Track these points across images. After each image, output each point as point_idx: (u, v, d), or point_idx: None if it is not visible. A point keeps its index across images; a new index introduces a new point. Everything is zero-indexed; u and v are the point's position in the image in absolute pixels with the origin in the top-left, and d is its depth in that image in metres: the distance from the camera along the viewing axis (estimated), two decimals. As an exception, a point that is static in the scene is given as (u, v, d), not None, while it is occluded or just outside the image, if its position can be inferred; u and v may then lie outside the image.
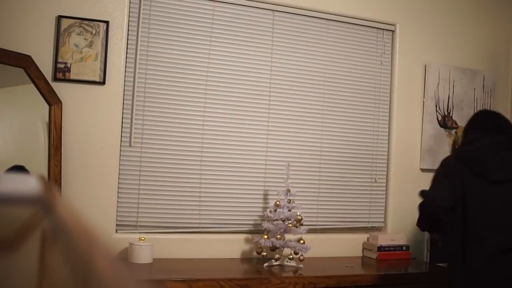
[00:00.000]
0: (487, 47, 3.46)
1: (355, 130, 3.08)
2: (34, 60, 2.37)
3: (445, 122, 3.26)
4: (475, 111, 2.74)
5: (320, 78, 3.00)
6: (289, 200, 2.65)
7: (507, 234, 2.07)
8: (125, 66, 2.60)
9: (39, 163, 2.42)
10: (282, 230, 2.61)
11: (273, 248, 2.62)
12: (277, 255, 2.60)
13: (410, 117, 3.20)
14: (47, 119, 2.40)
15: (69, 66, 2.46)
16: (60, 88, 2.43)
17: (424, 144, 3.20)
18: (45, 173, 2.37)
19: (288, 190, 2.66)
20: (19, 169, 2.36)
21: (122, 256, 2.45)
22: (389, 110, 3.17)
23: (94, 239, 0.46)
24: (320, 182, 2.99)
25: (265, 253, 2.65)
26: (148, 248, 2.44)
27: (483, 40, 3.44)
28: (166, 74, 2.69)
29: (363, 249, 3.02)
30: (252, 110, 2.85)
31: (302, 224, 2.64)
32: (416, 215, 3.10)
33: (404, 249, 2.96)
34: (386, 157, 3.15)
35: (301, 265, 2.59)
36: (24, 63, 2.35)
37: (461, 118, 3.31)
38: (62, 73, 2.45)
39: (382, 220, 3.14)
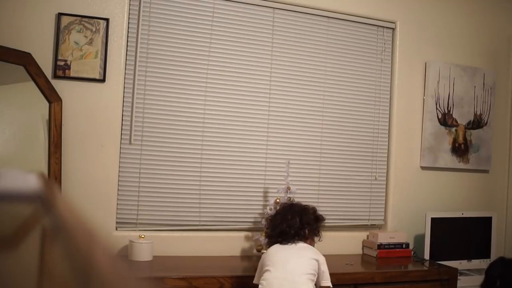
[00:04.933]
0: (487, 45, 3.45)
1: (355, 127, 3.08)
2: (34, 57, 2.37)
3: (445, 120, 3.26)
4: None
5: (320, 75, 3.00)
6: (289, 198, 2.65)
7: None
8: (125, 64, 2.60)
9: (39, 160, 2.42)
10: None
11: (273, 246, 2.62)
12: (277, 253, 2.60)
13: (410, 115, 3.20)
14: (47, 117, 2.40)
15: (69, 64, 2.46)
16: (60, 86, 2.43)
17: (424, 142, 3.20)
18: (45, 171, 2.37)
19: (288, 188, 2.66)
20: None
21: (122, 254, 2.45)
22: (389, 108, 3.17)
23: (94, 237, 0.47)
24: (320, 179, 2.99)
25: (264, 251, 2.65)
26: (148, 245, 2.44)
27: (484, 38, 3.44)
28: (166, 72, 2.68)
29: (363, 246, 3.02)
30: (252, 108, 2.85)
31: (302, 222, 2.64)
32: (416, 213, 3.11)
33: (404, 246, 2.96)
34: (386, 155, 3.15)
35: (301, 263, 2.58)
36: (24, 60, 2.34)
37: (462, 116, 3.31)
38: (62, 70, 2.45)
39: (382, 218, 3.14)
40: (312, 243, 2.24)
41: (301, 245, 2.17)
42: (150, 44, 2.66)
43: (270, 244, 2.26)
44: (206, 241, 2.71)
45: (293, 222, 2.20)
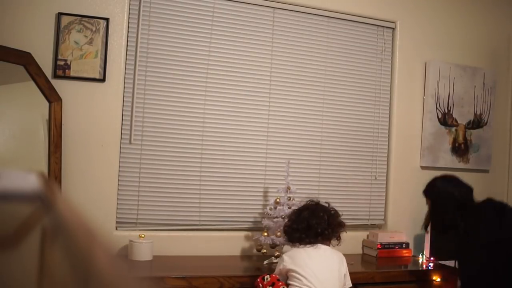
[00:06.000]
0: (488, 45, 3.45)
1: (356, 127, 3.08)
2: (34, 57, 2.36)
3: (445, 119, 3.26)
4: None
5: (320, 75, 3.00)
6: (289, 197, 2.65)
7: None
8: (125, 63, 2.60)
9: (39, 160, 2.42)
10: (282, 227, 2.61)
11: (273, 246, 2.62)
12: (277, 253, 2.60)
13: (410, 115, 3.20)
14: (47, 116, 2.40)
15: (69, 63, 2.46)
16: (60, 85, 2.43)
17: (424, 142, 3.20)
18: (45, 170, 2.37)
19: (288, 188, 2.66)
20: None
21: (122, 254, 2.45)
22: (390, 108, 3.17)
23: (94, 236, 0.46)
24: (320, 179, 2.99)
25: (265, 251, 2.65)
26: (148, 245, 2.44)
27: (484, 38, 3.44)
28: (166, 71, 2.68)
29: (363, 246, 3.02)
30: (252, 108, 2.85)
31: (302, 222, 2.64)
32: (416, 213, 3.10)
33: (404, 246, 2.96)
34: (386, 155, 3.15)
35: (301, 263, 2.58)
36: (24, 60, 2.34)
37: (462, 116, 3.31)
38: (62, 70, 2.45)
39: (382, 217, 3.14)
40: (329, 244, 2.25)
41: (325, 249, 2.17)
42: (150, 44, 2.66)
43: (289, 237, 2.24)
44: (206, 241, 2.71)
45: (321, 221, 2.19)
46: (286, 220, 2.37)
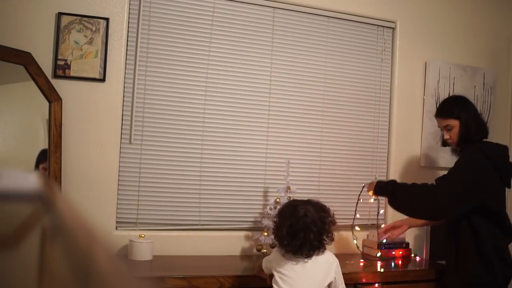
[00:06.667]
0: (488, 45, 3.45)
1: (356, 127, 3.08)
2: (34, 57, 2.37)
3: (445, 119, 3.26)
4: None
5: (320, 75, 3.00)
6: (289, 197, 2.65)
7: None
8: (125, 63, 2.60)
9: (39, 160, 2.42)
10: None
11: (273, 246, 2.62)
12: (277, 252, 2.60)
13: (410, 115, 3.20)
14: (47, 116, 2.40)
15: (69, 63, 2.46)
16: (60, 85, 2.43)
17: (424, 142, 3.20)
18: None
19: (288, 188, 2.66)
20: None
21: (122, 253, 2.45)
22: (390, 108, 3.17)
23: (94, 236, 0.47)
24: (320, 179, 2.99)
25: (265, 250, 2.65)
26: (148, 245, 2.45)
27: (484, 37, 3.44)
28: (166, 71, 2.69)
29: (363, 246, 3.01)
30: (252, 108, 2.85)
31: (302, 222, 2.64)
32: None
33: (403, 246, 2.96)
34: (386, 154, 3.15)
35: (301, 262, 2.58)
36: (24, 60, 2.35)
37: (461, 116, 3.31)
38: (62, 70, 2.45)
39: (382, 217, 3.14)
40: (324, 249, 2.06)
41: (314, 261, 1.99)
42: (150, 43, 2.66)
43: (281, 248, 2.03)
44: (206, 240, 2.72)
45: (313, 237, 1.97)
46: (275, 225, 2.11)
